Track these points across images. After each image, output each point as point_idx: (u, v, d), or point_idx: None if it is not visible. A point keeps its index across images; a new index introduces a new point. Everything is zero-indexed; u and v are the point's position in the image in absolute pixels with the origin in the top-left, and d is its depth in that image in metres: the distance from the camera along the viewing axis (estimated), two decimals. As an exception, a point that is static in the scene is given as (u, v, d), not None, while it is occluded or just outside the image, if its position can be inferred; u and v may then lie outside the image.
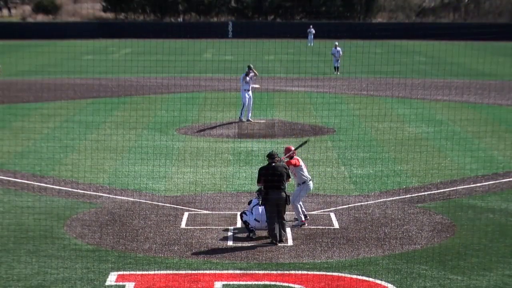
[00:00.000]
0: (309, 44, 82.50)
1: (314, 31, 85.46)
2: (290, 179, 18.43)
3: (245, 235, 18.26)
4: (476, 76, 50.05)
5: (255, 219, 18.15)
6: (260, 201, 18.11)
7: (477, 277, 15.67)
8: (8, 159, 26.66)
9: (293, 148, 19.29)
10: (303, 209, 19.32)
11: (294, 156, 19.18)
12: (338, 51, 55.21)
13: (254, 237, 18.06)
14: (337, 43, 55.48)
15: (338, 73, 55.41)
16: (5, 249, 17.19)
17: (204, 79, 49.83)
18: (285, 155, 19.27)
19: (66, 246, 17.38)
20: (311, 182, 19.32)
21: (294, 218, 19.41)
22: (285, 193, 17.96)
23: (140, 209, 20.59)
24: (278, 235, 17.72)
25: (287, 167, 18.35)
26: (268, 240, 17.84)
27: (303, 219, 19.13)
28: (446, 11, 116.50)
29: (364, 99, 42.16)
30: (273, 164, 18.06)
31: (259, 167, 18.80)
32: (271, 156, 18.19)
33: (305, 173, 19.17)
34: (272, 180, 17.82)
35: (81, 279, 15.40)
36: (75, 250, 17.13)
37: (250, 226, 18.20)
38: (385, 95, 43.50)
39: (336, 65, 55.69)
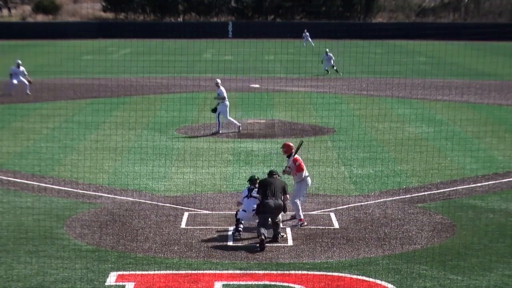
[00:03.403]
0: (304, 45, 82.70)
1: (309, 34, 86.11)
2: (287, 196, 18.36)
3: (245, 235, 18.25)
4: (476, 76, 50.01)
5: (243, 210, 18.18)
6: (255, 211, 18.11)
7: (477, 277, 15.66)
8: (8, 160, 26.64)
9: (291, 144, 19.60)
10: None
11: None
12: (330, 57, 55.35)
13: (238, 237, 18.09)
14: (327, 50, 55.59)
15: (340, 73, 55.41)
16: (5, 250, 17.17)
17: (204, 79, 49.77)
18: (284, 150, 19.51)
19: (66, 247, 17.36)
20: (309, 178, 19.41)
21: (292, 217, 19.41)
22: (283, 202, 17.98)
23: (140, 209, 20.59)
24: (265, 236, 17.70)
25: (286, 183, 18.46)
26: (268, 240, 17.83)
27: (302, 217, 19.14)
28: (446, 11, 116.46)
29: (364, 99, 42.15)
30: (271, 178, 18.32)
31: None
32: (270, 173, 18.57)
33: (305, 171, 19.32)
34: (270, 191, 17.94)
35: (81, 279, 15.39)
36: (75, 250, 17.12)
37: (240, 220, 18.20)
38: (385, 95, 43.48)
39: (330, 66, 55.70)
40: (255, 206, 18.19)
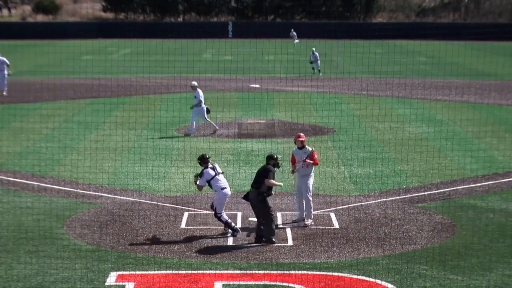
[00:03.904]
0: (299, 42, 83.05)
1: (295, 34, 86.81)
2: (267, 180, 17.71)
3: (244, 234, 18.26)
4: (476, 76, 50.02)
5: (222, 189, 18.16)
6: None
7: (477, 277, 15.66)
8: (8, 160, 26.64)
9: (302, 134, 19.54)
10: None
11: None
12: (316, 56, 55.46)
13: (237, 235, 18.13)
14: (314, 49, 55.64)
15: (321, 74, 55.61)
16: (5, 250, 17.17)
17: (204, 79, 49.76)
18: (300, 140, 19.22)
19: (66, 246, 17.36)
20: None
21: (293, 221, 19.38)
22: (258, 191, 17.69)
23: (140, 209, 20.59)
24: (259, 234, 17.86)
25: (269, 168, 17.90)
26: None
27: (304, 216, 19.12)
28: (446, 11, 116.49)
29: (364, 99, 42.15)
30: (263, 166, 18.27)
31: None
32: (267, 158, 18.43)
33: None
34: (253, 180, 18.01)
35: (81, 279, 15.38)
36: (75, 250, 17.11)
37: (227, 222, 18.21)
38: (385, 95, 43.49)
39: (316, 65, 55.91)
40: (225, 181, 18.27)
